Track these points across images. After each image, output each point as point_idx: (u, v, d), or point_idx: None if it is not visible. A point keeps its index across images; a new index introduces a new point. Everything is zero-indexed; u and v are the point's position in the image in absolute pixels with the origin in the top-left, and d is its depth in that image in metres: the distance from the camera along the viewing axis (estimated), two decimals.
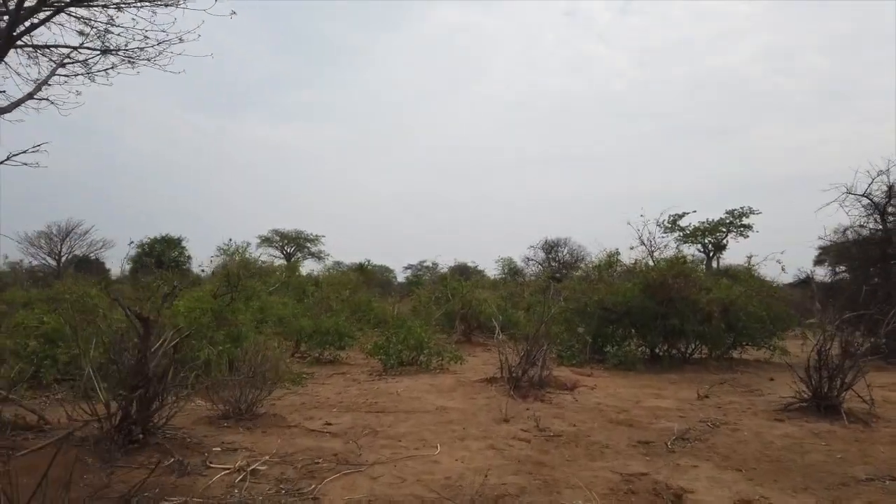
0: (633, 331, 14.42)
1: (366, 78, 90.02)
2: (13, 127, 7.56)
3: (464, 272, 27.47)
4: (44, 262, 45.66)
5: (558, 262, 37.67)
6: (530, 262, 37.20)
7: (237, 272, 10.59)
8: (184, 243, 48.20)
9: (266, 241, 49.15)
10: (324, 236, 49.49)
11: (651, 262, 16.10)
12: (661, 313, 13.55)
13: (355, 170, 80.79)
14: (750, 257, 15.98)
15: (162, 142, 75.85)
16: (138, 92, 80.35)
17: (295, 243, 50.25)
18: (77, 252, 48.00)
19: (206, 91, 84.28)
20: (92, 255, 49.59)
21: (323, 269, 42.85)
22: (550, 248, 36.65)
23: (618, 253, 17.03)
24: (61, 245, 48.03)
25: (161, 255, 46.29)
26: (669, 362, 14.09)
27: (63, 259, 46.96)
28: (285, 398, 9.58)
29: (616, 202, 69.10)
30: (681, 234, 54.34)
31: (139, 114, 76.76)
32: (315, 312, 16.57)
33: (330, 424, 7.74)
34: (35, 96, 9.05)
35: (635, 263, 16.73)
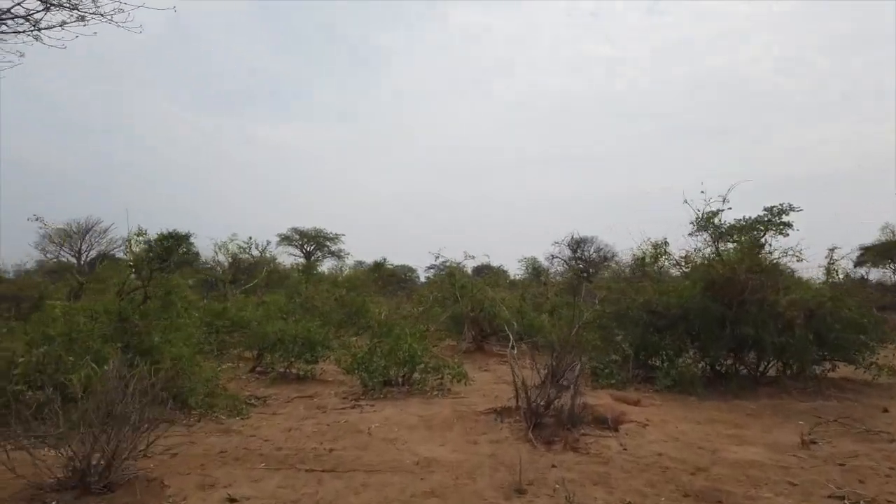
0: (689, 341, 11.23)
1: (367, 78, 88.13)
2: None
3: (482, 272, 24.49)
4: (63, 259, 44.85)
5: (585, 261, 34.39)
6: (555, 260, 33.93)
7: (145, 261, 7.66)
8: (192, 239, 46.35)
9: (285, 239, 48.04)
10: (343, 235, 48.29)
11: (711, 254, 12.90)
12: (730, 319, 10.35)
13: (356, 169, 78.66)
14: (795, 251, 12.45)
15: (160, 140, 74.42)
16: (138, 91, 78.53)
17: (315, 242, 49.47)
18: (97, 249, 47.17)
19: (205, 90, 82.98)
20: (112, 251, 48.66)
21: (334, 268, 40.28)
22: (577, 244, 33.44)
23: (666, 243, 13.83)
24: (81, 242, 47.09)
25: (168, 251, 44.30)
26: (737, 383, 10.87)
27: (83, 256, 46.17)
28: (206, 438, 6.66)
29: (616, 202, 66.11)
30: (715, 231, 51.27)
31: (138, 113, 75.35)
32: (297, 316, 13.70)
33: (233, 502, 4.76)
34: None
35: (685, 256, 13.55)
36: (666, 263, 13.44)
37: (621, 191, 70.92)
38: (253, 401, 8.83)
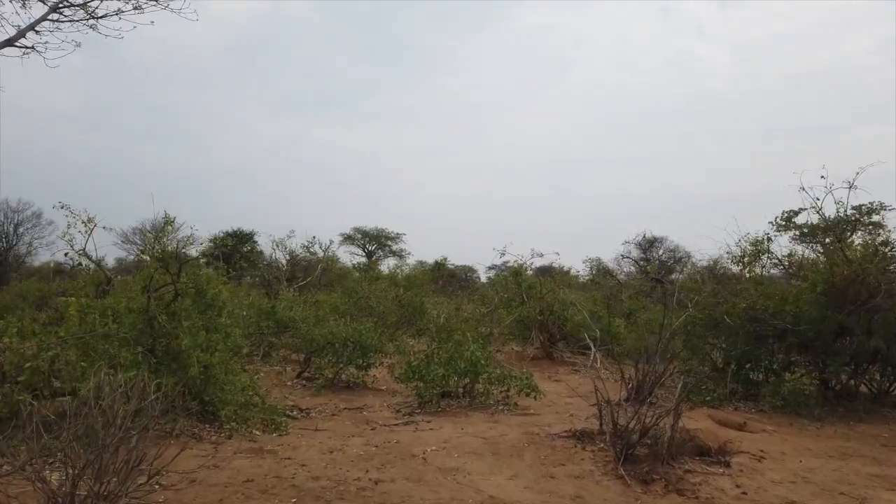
0: (798, 353, 9.58)
1: (446, 80, 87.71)
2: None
3: (546, 273, 22.96)
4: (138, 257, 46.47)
5: (657, 262, 32.30)
6: (624, 261, 32.00)
7: (174, 254, 6.70)
8: (255, 238, 46.88)
9: (348, 238, 47.78)
10: (405, 234, 47.77)
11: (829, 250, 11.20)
12: (855, 327, 8.66)
13: (433, 171, 78.15)
14: None
15: (246, 144, 76.72)
16: (228, 99, 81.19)
17: (376, 241, 48.96)
18: (169, 248, 48.18)
19: (290, 98, 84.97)
20: (182, 250, 49.70)
21: (395, 267, 39.68)
22: (649, 244, 31.40)
23: (768, 239, 12.15)
24: (154, 241, 48.29)
25: (232, 250, 45.11)
26: (859, 403, 9.16)
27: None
28: (234, 461, 5.66)
29: (707, 204, 62.28)
30: (796, 233, 47.60)
31: (227, 119, 78.13)
32: (352, 316, 12.74)
33: None
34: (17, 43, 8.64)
35: (790, 255, 11.86)
36: (767, 262, 11.67)
37: (715, 192, 66.95)
38: (294, 412, 7.82)
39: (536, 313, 12.49)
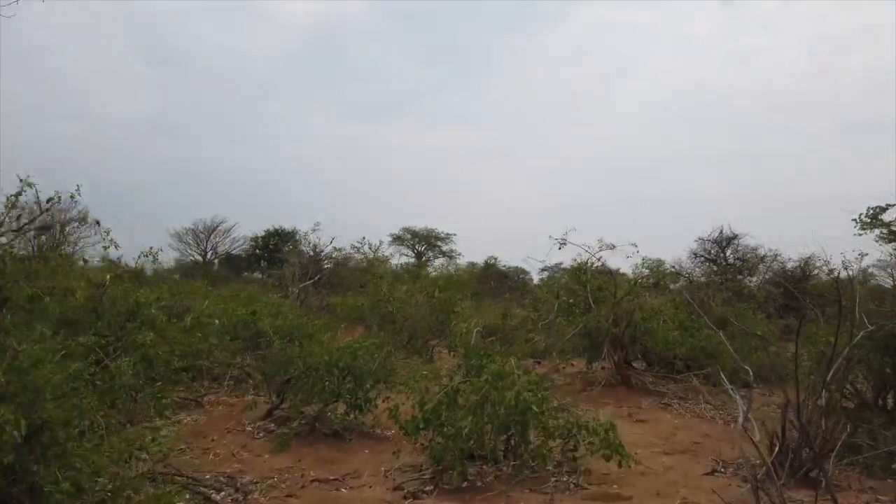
0: None
1: (504, 81, 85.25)
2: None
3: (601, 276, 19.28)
4: (191, 257, 45.45)
5: (731, 263, 28.16)
6: (697, 259, 28.00)
7: None
8: (297, 236, 45.42)
9: (397, 239, 46.28)
10: (455, 234, 45.76)
11: None
12: None
13: (492, 173, 75.50)
14: None
15: (310, 147, 77.30)
16: (293, 105, 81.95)
17: (426, 242, 47.57)
18: (221, 249, 48.07)
19: (356, 102, 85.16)
20: (235, 250, 49.96)
21: (441, 268, 37.04)
22: (727, 242, 27.26)
23: None
24: (206, 241, 48.52)
25: (275, 249, 43.70)
26: None
27: (208, 254, 46.92)
28: None
29: (781, 204, 57.10)
30: (885, 231, 42.03)
31: (292, 123, 79.00)
32: (372, 325, 9.70)
33: None
34: None
35: None
36: None
37: (787, 191, 61.72)
38: (222, 491, 4.74)
39: (609, 323, 9.13)
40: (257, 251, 44.15)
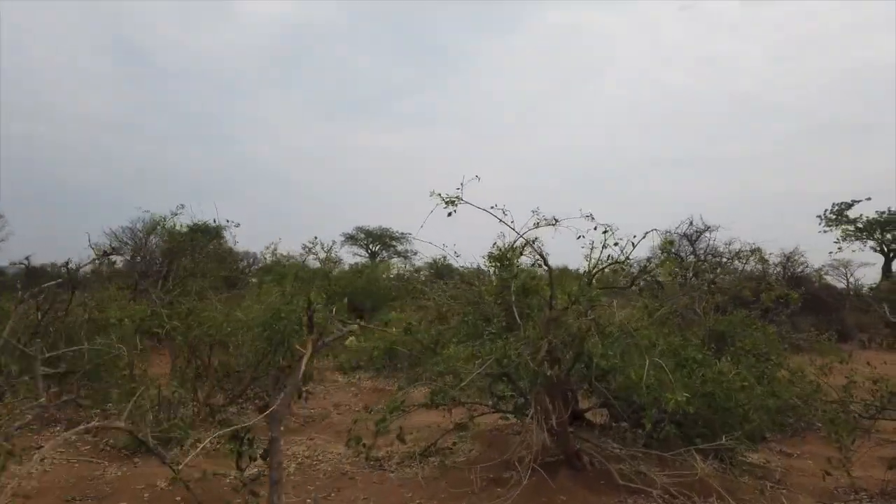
0: None
1: (477, 82, 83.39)
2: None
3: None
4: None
5: (703, 259, 24.42)
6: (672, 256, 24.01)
7: None
8: (225, 232, 41.09)
9: (350, 238, 45.45)
10: (410, 234, 44.22)
11: None
12: None
13: (461, 172, 72.81)
14: None
15: (276, 148, 74.99)
16: (260, 104, 78.92)
17: (380, 241, 46.77)
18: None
19: (328, 104, 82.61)
20: None
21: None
22: (697, 235, 23.56)
23: None
24: (146, 240, 44.59)
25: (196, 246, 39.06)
26: None
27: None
28: None
29: (742, 206, 55.78)
30: (850, 227, 39.45)
31: (258, 123, 76.69)
32: None
33: None
34: None
35: None
36: None
37: (751, 194, 60.37)
38: None
39: (541, 354, 4.87)
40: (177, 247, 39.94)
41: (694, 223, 23.48)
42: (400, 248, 45.90)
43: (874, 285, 35.00)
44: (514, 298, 5.69)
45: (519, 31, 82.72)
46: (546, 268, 5.20)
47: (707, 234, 24.05)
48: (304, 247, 26.58)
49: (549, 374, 4.64)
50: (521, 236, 5.01)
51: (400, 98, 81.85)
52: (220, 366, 7.02)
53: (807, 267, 23.63)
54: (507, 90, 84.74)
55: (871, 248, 39.20)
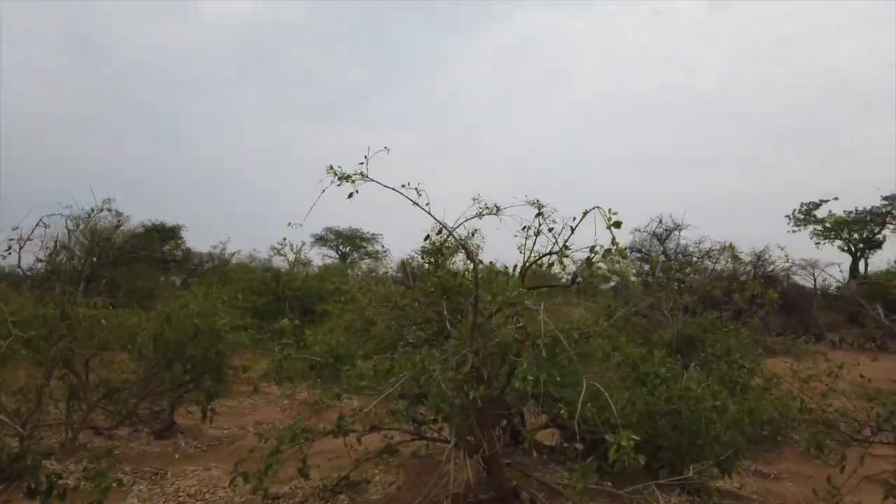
0: None
1: (443, 84, 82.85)
2: None
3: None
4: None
5: (673, 258, 23.75)
6: (632, 255, 23.42)
7: None
8: (182, 233, 39.47)
9: (320, 239, 44.54)
10: (381, 235, 44.37)
11: None
12: None
13: (428, 173, 72.27)
14: None
15: (237, 149, 73.54)
16: (224, 103, 77.61)
17: (350, 242, 45.93)
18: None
19: (287, 103, 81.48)
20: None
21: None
22: (667, 234, 22.92)
23: None
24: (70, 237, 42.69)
25: (152, 247, 37.17)
26: None
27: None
28: None
29: (709, 207, 56.18)
30: (818, 227, 39.36)
31: (217, 124, 75.33)
32: None
33: None
34: None
35: None
36: None
37: (709, 195, 60.66)
38: None
39: (465, 371, 3.90)
40: (135, 251, 37.99)
41: (664, 221, 22.81)
42: (370, 248, 45.23)
43: (841, 284, 34.89)
44: (439, 291, 4.69)
45: (485, 33, 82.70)
46: (473, 263, 4.20)
47: (677, 232, 23.44)
48: (273, 248, 26.17)
49: (471, 395, 3.64)
50: (443, 224, 3.99)
51: (366, 98, 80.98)
52: (101, 382, 5.90)
53: (776, 266, 23.12)
54: (472, 92, 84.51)
55: (839, 247, 39.19)
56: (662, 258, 22.65)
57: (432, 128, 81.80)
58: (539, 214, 4.00)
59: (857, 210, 37.89)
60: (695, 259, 22.65)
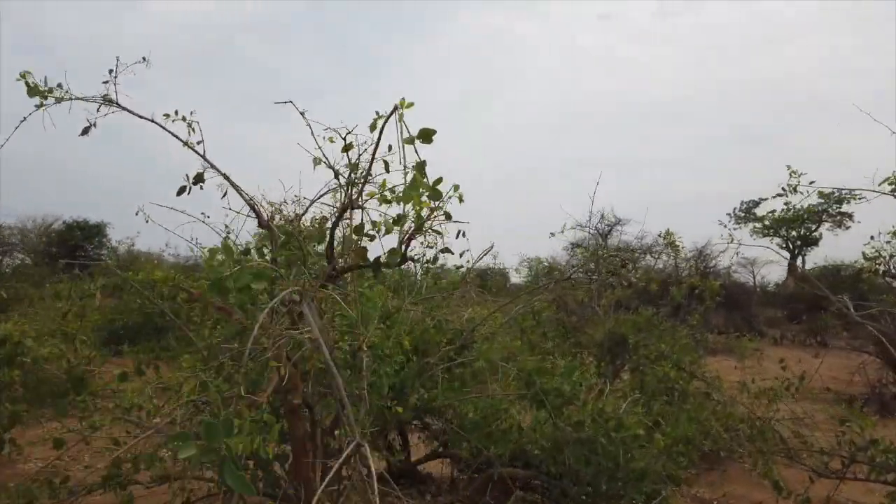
0: None
1: (396, 83, 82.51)
2: None
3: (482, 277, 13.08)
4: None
5: (613, 255, 23.00)
6: (576, 252, 22.51)
7: None
8: (108, 230, 36.94)
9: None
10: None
11: None
12: None
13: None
14: None
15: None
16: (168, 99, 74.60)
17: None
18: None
19: (239, 101, 79.86)
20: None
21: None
22: (609, 229, 22.19)
23: None
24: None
25: (76, 247, 34.84)
26: None
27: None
28: None
29: (653, 208, 57.31)
30: (759, 224, 39.77)
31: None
32: None
33: None
34: None
35: None
36: None
37: (650, 198, 61.44)
38: None
39: (270, 389, 2.65)
40: (53, 249, 35.08)
41: (605, 216, 22.07)
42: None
43: (780, 282, 35.20)
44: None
45: (436, 34, 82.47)
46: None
47: (619, 227, 22.75)
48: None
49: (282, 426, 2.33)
50: (212, 166, 2.67)
51: (321, 97, 79.79)
52: None
53: (718, 260, 22.67)
54: (426, 91, 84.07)
55: (778, 244, 39.70)
56: (605, 252, 21.76)
57: (385, 128, 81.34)
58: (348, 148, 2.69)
59: (794, 208, 38.41)
60: (637, 255, 21.92)
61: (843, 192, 34.35)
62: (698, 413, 5.31)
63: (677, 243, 7.82)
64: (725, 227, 38.16)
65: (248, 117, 77.13)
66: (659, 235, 8.45)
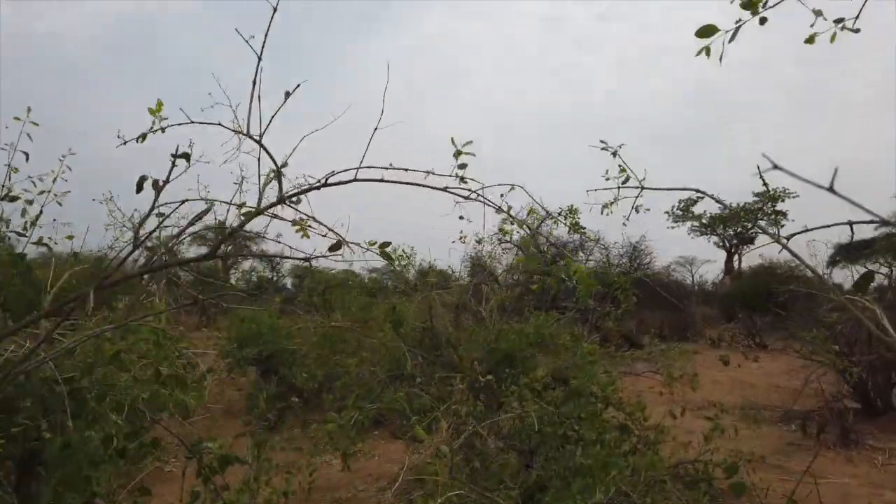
0: None
1: (340, 84, 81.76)
2: None
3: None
4: None
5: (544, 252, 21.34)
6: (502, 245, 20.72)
7: None
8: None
9: (200, 238, 38.54)
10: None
11: None
12: None
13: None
14: None
15: (130, 148, 70.88)
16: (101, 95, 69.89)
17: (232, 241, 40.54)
18: None
19: (176, 98, 78.52)
20: None
21: None
22: (538, 224, 20.43)
23: None
24: None
25: None
26: None
27: None
28: None
29: (594, 209, 57.56)
30: (696, 223, 39.22)
31: (100, 117, 69.61)
32: None
33: None
34: None
35: None
36: None
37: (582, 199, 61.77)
38: None
39: None
40: None
41: (533, 210, 20.31)
42: (255, 248, 41.99)
43: (717, 280, 34.60)
44: None
45: (388, 36, 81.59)
46: None
47: (548, 221, 21.01)
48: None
49: None
50: None
51: (264, 97, 78.22)
52: None
53: (652, 259, 21.34)
54: (372, 92, 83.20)
55: (715, 243, 39.33)
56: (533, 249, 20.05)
57: (332, 128, 79.87)
58: None
59: (730, 206, 38.00)
60: (567, 252, 20.30)
61: (778, 190, 33.96)
62: (605, 470, 3.49)
63: (578, 221, 6.09)
64: (670, 221, 37.56)
65: (181, 116, 75.05)
66: (559, 213, 6.70)
